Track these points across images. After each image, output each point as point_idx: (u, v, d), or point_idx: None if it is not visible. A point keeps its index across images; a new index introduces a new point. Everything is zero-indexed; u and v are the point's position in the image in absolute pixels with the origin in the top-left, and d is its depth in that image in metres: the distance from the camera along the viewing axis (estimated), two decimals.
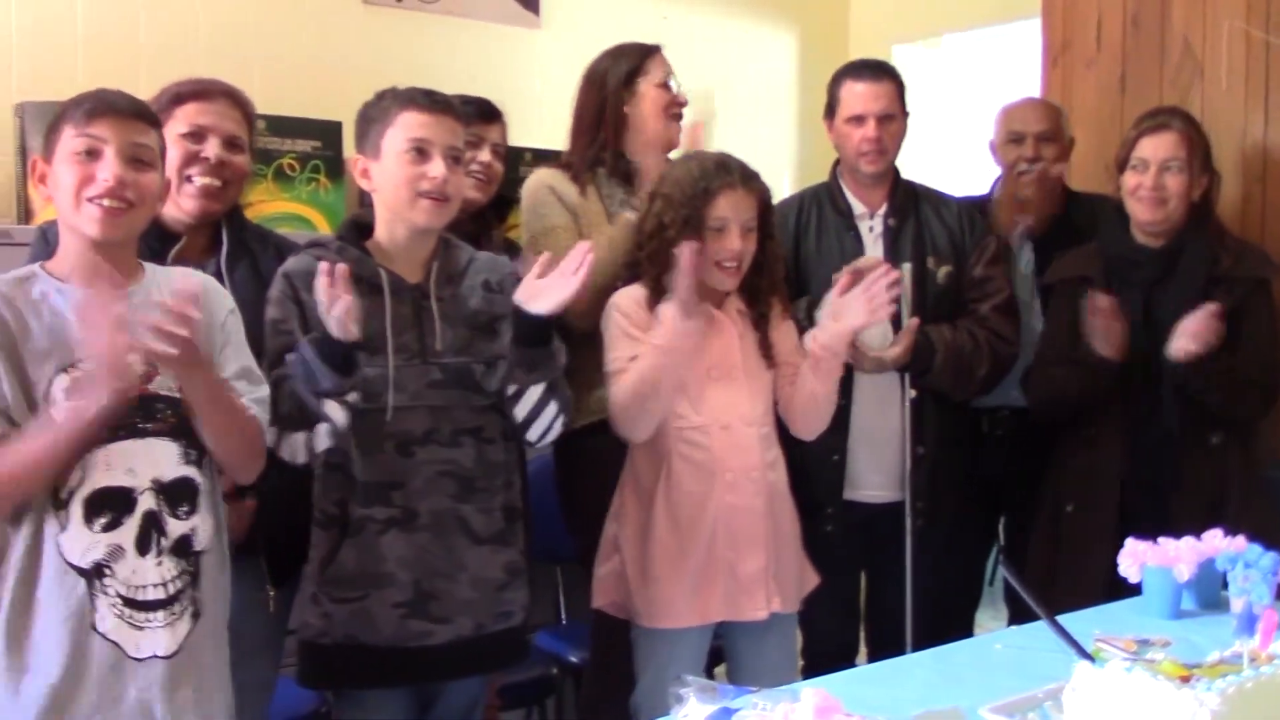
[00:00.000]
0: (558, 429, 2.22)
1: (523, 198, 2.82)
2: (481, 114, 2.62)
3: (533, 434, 2.21)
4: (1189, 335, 2.51)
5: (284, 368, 2.04)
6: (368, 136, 2.17)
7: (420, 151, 2.11)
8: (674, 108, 2.76)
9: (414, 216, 2.14)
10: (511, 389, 2.15)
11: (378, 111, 2.16)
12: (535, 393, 2.15)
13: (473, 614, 2.15)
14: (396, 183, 2.13)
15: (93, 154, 1.80)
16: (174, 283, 1.91)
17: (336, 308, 1.97)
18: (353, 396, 2.03)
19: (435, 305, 2.16)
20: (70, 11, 3.23)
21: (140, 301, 1.85)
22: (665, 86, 2.76)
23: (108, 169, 1.79)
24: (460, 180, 2.18)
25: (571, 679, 2.97)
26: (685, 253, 2.24)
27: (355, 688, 2.17)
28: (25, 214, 2.94)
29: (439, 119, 2.13)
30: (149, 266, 1.94)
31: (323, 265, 2.00)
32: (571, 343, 2.54)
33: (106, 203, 1.79)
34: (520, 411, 2.16)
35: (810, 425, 2.51)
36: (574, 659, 2.91)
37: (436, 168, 2.11)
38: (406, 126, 2.12)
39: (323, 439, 2.04)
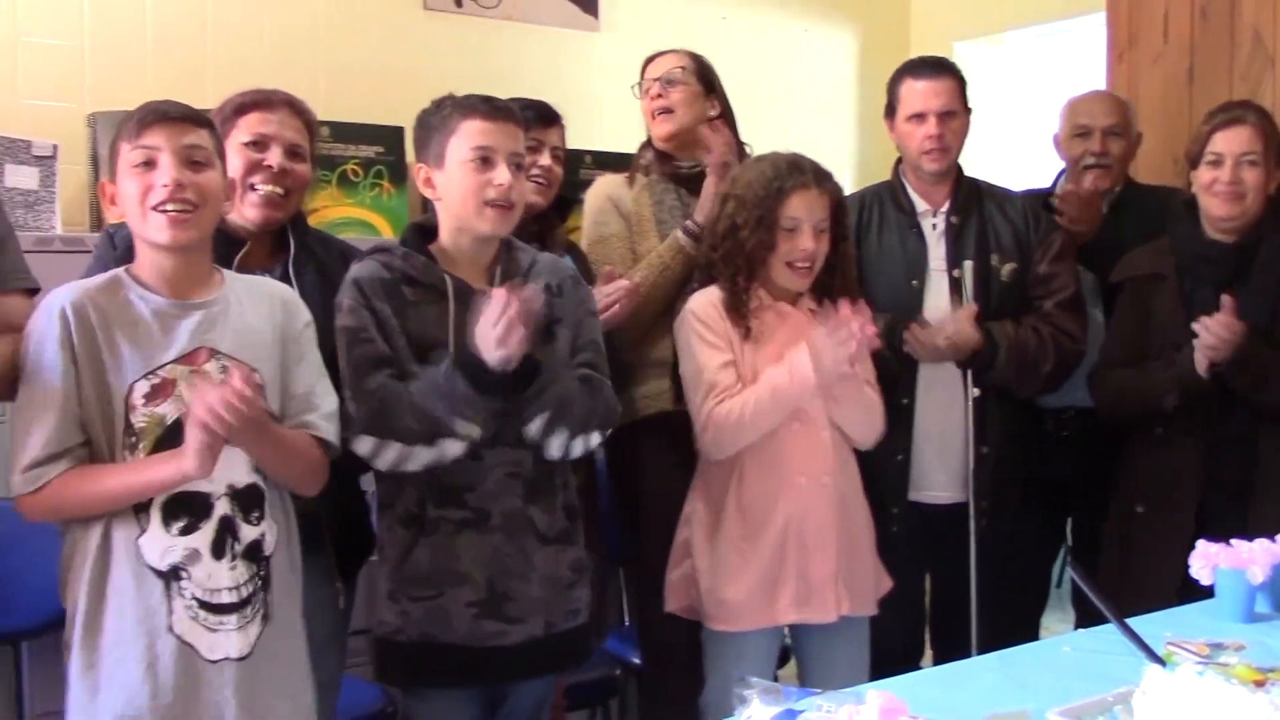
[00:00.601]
0: (581, 447, 2.17)
1: (585, 205, 2.88)
2: (541, 118, 2.64)
3: (550, 455, 2.15)
4: (1204, 349, 2.48)
5: (383, 375, 2.04)
6: (429, 145, 2.17)
7: (484, 160, 2.12)
8: (652, 106, 2.82)
9: (480, 225, 2.15)
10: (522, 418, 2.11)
11: (439, 120, 2.16)
12: (537, 425, 2.11)
13: (544, 613, 2.16)
14: (463, 192, 2.13)
15: (149, 164, 1.84)
16: (250, 305, 1.95)
17: (514, 342, 1.97)
18: (483, 415, 2.04)
19: None
20: (140, 24, 3.30)
21: (219, 311, 1.90)
22: (648, 91, 2.84)
23: (165, 174, 1.83)
24: (523, 185, 2.19)
25: (635, 680, 2.97)
26: (858, 326, 2.24)
27: (430, 686, 2.18)
28: (98, 222, 3.00)
29: (501, 126, 2.13)
30: (228, 274, 1.97)
31: (497, 294, 1.98)
32: (620, 340, 2.55)
33: (170, 208, 1.83)
34: (530, 437, 2.12)
35: (861, 437, 2.50)
36: (637, 660, 2.92)
37: (501, 175, 2.11)
38: (469, 135, 2.12)
39: (453, 454, 2.05)
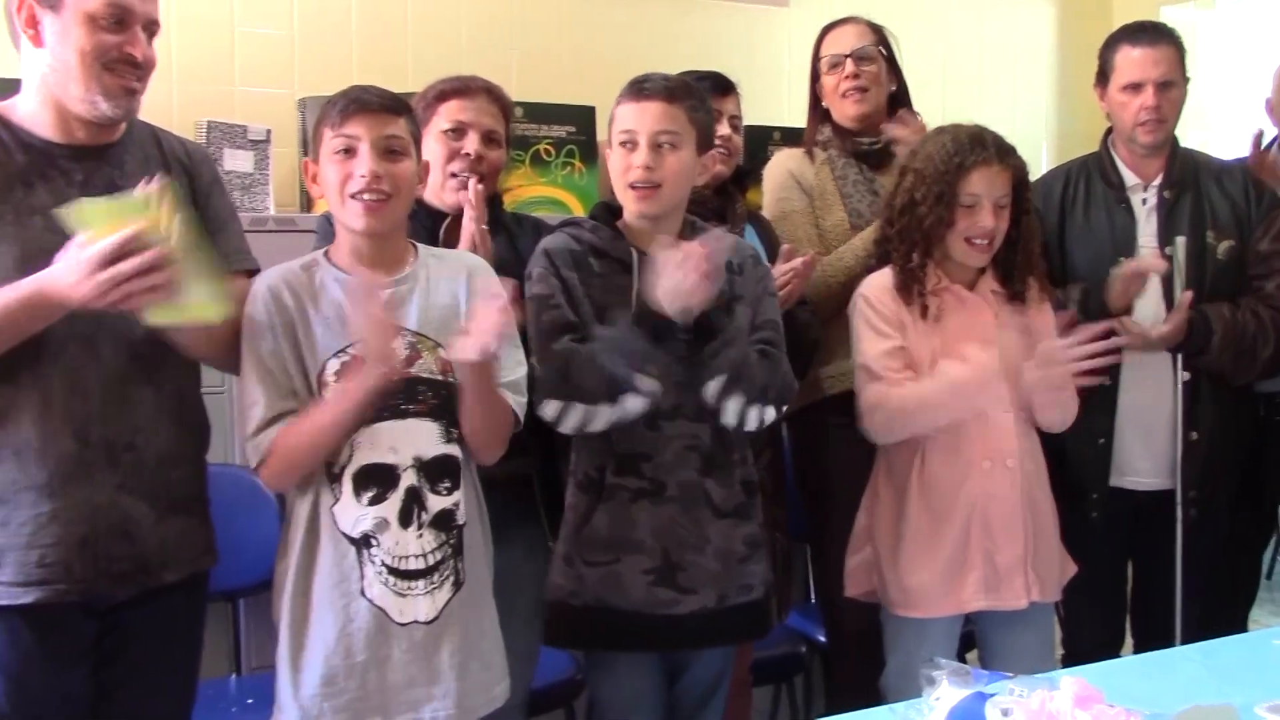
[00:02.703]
0: (757, 416, 2.15)
1: (764, 179, 2.86)
2: (716, 88, 2.61)
3: (726, 422, 2.15)
4: None
5: (566, 340, 2.09)
6: (609, 129, 2.23)
7: (628, 143, 2.14)
8: (847, 85, 2.76)
9: (627, 205, 2.18)
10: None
11: (614, 105, 2.21)
12: (714, 386, 2.11)
13: (717, 585, 2.17)
14: (614, 174, 2.18)
15: (349, 152, 1.92)
16: (471, 280, 2.02)
17: (703, 290, 1.99)
18: (656, 370, 2.06)
19: None
20: (345, 12, 3.45)
21: (407, 290, 1.96)
22: (836, 66, 2.77)
23: (363, 165, 1.90)
24: (675, 163, 2.14)
25: (820, 657, 2.96)
26: (1065, 352, 2.23)
27: (602, 649, 2.23)
28: (308, 203, 3.15)
29: (644, 107, 2.14)
30: (421, 248, 2.05)
31: (669, 243, 2.03)
32: (793, 315, 2.53)
33: (367, 197, 1.90)
34: (707, 401, 2.12)
35: (1048, 425, 2.42)
36: (822, 638, 2.91)
37: (638, 157, 2.13)
38: (619, 119, 2.17)
39: (635, 409, 2.08)
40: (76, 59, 1.82)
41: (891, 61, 2.81)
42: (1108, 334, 2.37)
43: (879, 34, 2.80)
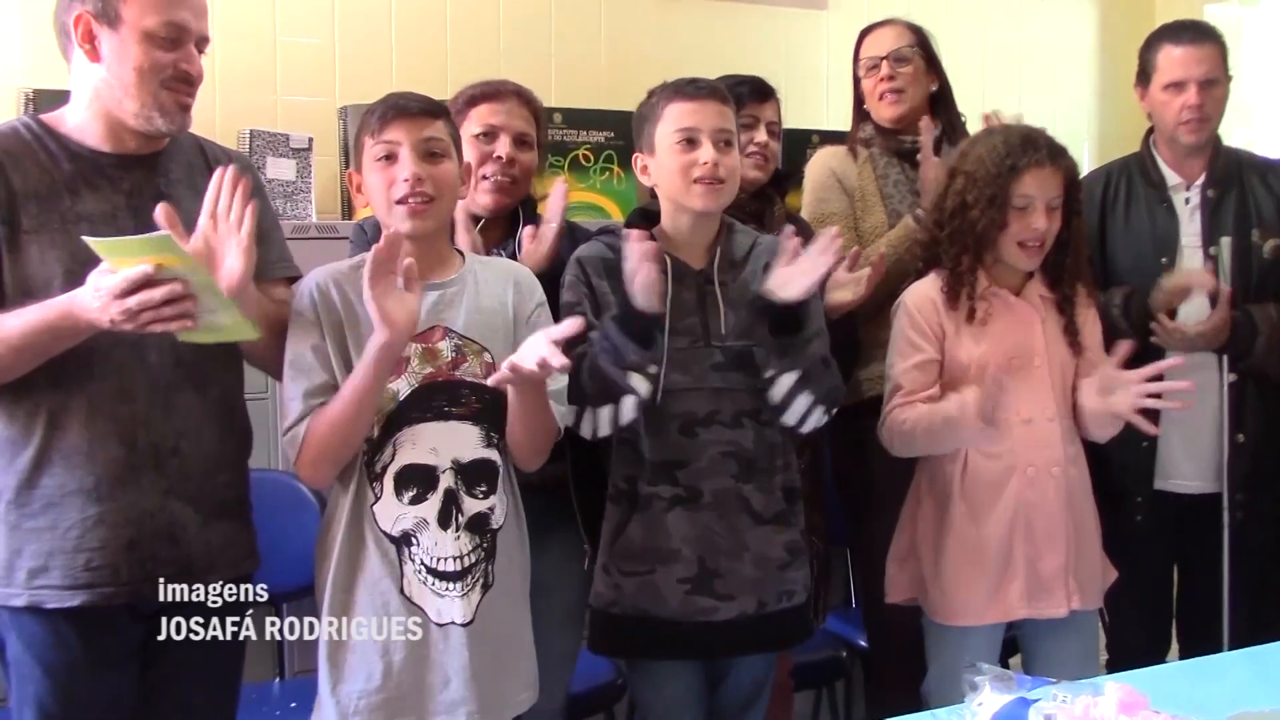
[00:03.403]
0: (817, 418, 2.17)
1: (805, 176, 2.85)
2: (755, 93, 2.61)
3: (787, 420, 2.17)
4: None
5: (586, 345, 2.09)
6: (643, 134, 2.22)
7: (689, 141, 2.15)
8: (882, 87, 2.75)
9: (691, 202, 2.17)
10: (768, 374, 2.14)
11: (648, 109, 2.21)
12: (787, 381, 2.12)
13: (756, 592, 2.17)
14: (671, 173, 2.17)
15: (391, 158, 1.94)
16: (512, 278, 2.04)
17: (641, 275, 2.01)
18: (653, 369, 2.08)
19: (719, 290, 2.19)
20: (384, 21, 3.48)
21: (456, 292, 1.98)
22: (873, 69, 2.77)
23: (405, 169, 1.93)
24: (733, 161, 2.18)
25: (861, 663, 2.95)
26: (989, 380, 2.17)
27: (642, 658, 2.24)
28: (349, 210, 3.18)
29: (703, 105, 2.15)
30: (469, 256, 2.07)
31: (633, 233, 2.05)
32: (851, 318, 2.52)
33: (412, 200, 1.93)
34: (774, 396, 2.14)
35: (1098, 438, 2.40)
36: (863, 643, 2.90)
37: (706, 153, 2.13)
38: (674, 118, 2.16)
39: (629, 411, 2.09)
40: (134, 76, 1.86)
41: (931, 61, 2.80)
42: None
43: (918, 35, 2.80)
